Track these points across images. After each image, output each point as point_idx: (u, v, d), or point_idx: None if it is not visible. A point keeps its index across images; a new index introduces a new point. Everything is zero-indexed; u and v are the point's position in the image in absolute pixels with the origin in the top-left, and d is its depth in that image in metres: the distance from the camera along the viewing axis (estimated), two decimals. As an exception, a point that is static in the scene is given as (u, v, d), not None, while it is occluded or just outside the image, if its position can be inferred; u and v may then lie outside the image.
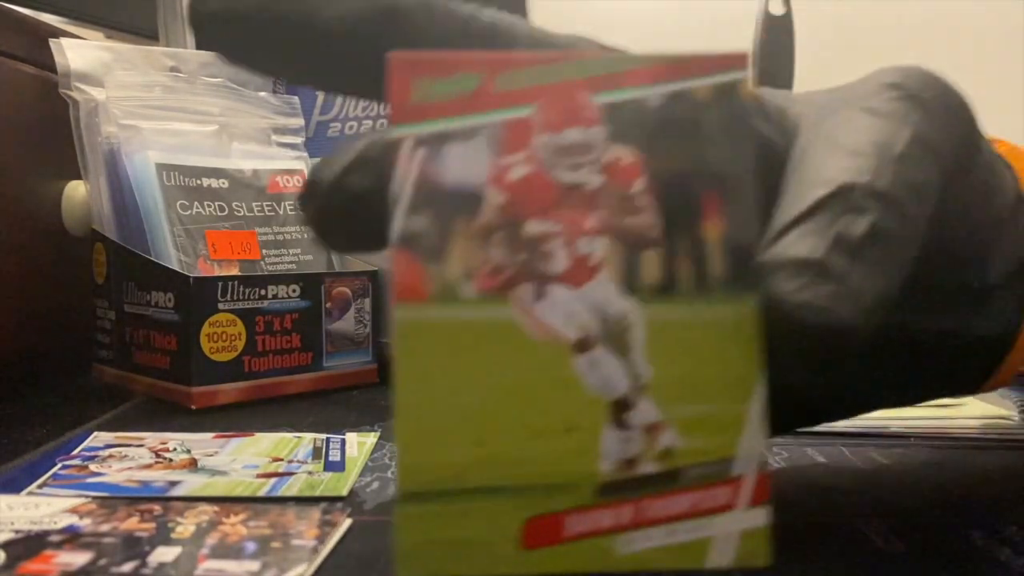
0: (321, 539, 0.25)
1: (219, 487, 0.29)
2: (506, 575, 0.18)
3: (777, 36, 1.02)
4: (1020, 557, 0.24)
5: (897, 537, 0.25)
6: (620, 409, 0.19)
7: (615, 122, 0.19)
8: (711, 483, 0.19)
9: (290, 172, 0.50)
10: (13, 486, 0.29)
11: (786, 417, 0.28)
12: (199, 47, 0.21)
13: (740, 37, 1.10)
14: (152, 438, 0.36)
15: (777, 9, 1.02)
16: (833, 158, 0.20)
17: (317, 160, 0.21)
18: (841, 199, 0.19)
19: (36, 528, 0.25)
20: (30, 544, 0.24)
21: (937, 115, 0.22)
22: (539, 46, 0.22)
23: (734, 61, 0.19)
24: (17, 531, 0.25)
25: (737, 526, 0.19)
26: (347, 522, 0.26)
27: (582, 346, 0.19)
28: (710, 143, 0.19)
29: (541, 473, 0.18)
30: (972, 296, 0.26)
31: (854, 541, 0.25)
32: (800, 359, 0.19)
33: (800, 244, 0.18)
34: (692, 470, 0.19)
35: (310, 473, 0.31)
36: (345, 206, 0.21)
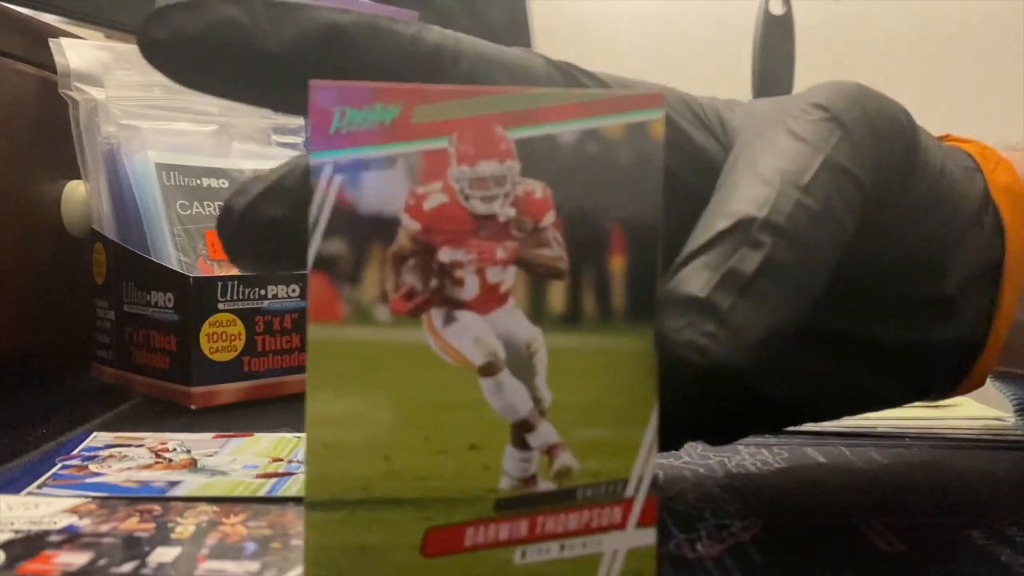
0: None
1: (219, 487, 0.29)
2: None
3: (777, 36, 1.02)
4: (1020, 557, 0.24)
5: (897, 537, 0.25)
6: (522, 430, 0.20)
7: (528, 157, 0.20)
8: (604, 503, 0.20)
9: (290, 172, 0.50)
10: (13, 486, 0.29)
11: (759, 420, 0.28)
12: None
13: (740, 37, 1.10)
14: (152, 438, 0.36)
15: (777, 9, 1.02)
16: (743, 185, 0.20)
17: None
18: (739, 233, 0.19)
19: (35, 528, 0.25)
20: (29, 544, 0.24)
21: (859, 137, 0.22)
22: (485, 63, 0.23)
23: (649, 101, 0.20)
24: (16, 531, 0.25)
25: (626, 544, 0.20)
26: (347, 522, 0.26)
27: (488, 370, 0.20)
28: (620, 180, 0.20)
29: (444, 487, 0.20)
30: (931, 304, 0.26)
31: (854, 541, 0.25)
32: (685, 395, 0.20)
33: (692, 280, 0.19)
34: (586, 490, 0.20)
35: (310, 473, 0.31)
36: (256, 233, 0.22)
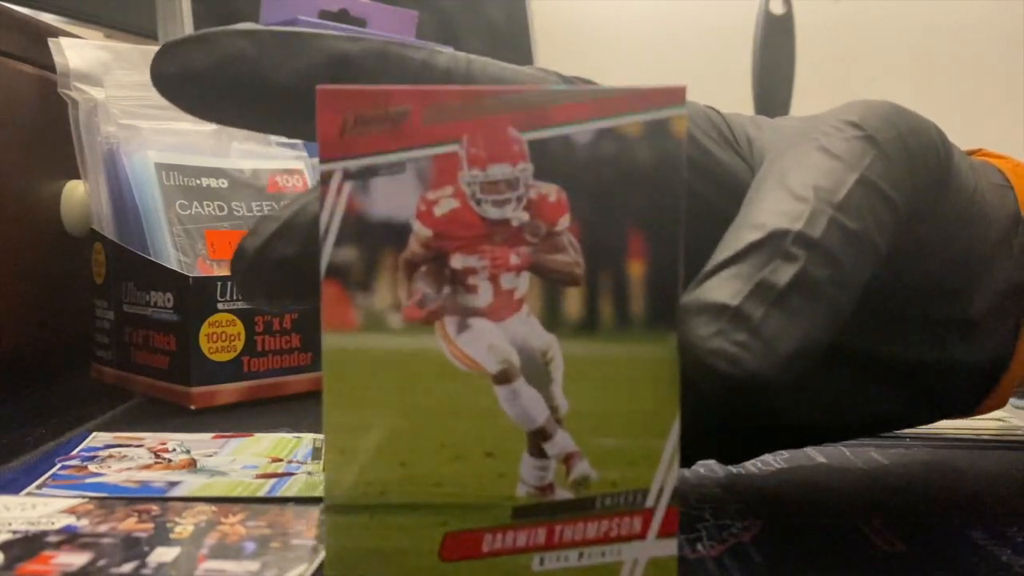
0: (321, 539, 0.25)
1: (218, 487, 0.29)
2: None
3: (777, 36, 1.02)
4: (1021, 557, 0.24)
5: (897, 537, 0.25)
6: (538, 438, 0.19)
7: (542, 158, 0.19)
8: (623, 512, 0.19)
9: (289, 172, 0.50)
10: (12, 486, 0.29)
11: (775, 440, 0.28)
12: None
13: (740, 37, 1.10)
14: (151, 438, 0.36)
15: (777, 9, 1.02)
16: (775, 199, 0.20)
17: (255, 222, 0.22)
18: (771, 245, 0.19)
19: (33, 529, 0.25)
20: (28, 545, 0.24)
21: (893, 157, 0.22)
22: (497, 84, 0.22)
23: (669, 96, 0.19)
24: (15, 532, 0.25)
25: (646, 554, 0.19)
26: (346, 522, 0.26)
27: (503, 378, 0.19)
28: (639, 181, 0.19)
29: (460, 494, 0.19)
30: (955, 325, 0.26)
31: (854, 541, 0.25)
32: (711, 404, 0.19)
33: (721, 288, 0.18)
34: (605, 499, 0.19)
35: (309, 474, 0.31)
36: (268, 272, 0.22)
